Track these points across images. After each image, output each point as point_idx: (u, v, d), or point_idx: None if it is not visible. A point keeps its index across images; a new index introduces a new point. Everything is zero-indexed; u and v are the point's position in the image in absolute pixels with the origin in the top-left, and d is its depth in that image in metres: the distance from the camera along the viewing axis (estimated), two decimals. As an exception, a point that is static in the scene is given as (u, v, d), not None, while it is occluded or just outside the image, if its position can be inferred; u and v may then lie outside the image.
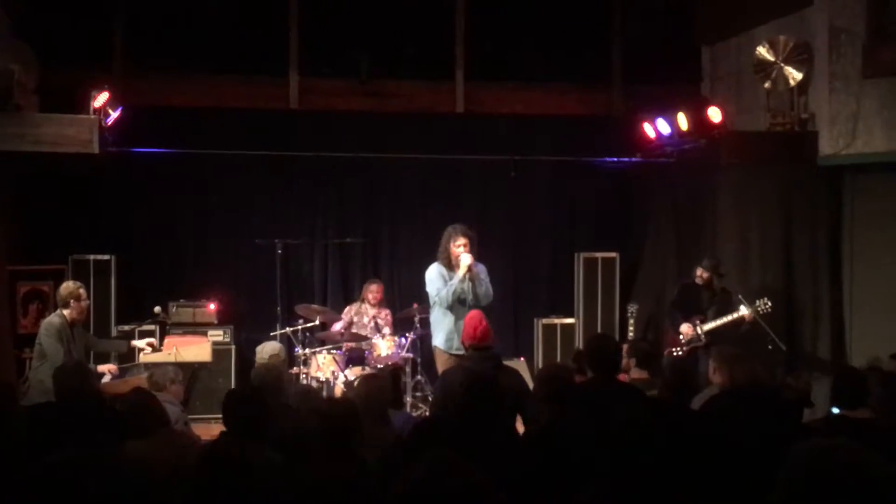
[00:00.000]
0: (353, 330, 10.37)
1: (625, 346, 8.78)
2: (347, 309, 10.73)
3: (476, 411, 4.78)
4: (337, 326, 10.34)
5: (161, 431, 5.23)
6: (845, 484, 2.45)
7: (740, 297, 9.42)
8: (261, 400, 5.03)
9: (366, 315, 10.64)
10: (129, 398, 5.46)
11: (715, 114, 9.82)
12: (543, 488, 4.03)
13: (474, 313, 7.12)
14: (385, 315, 10.71)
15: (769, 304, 9.30)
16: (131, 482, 3.18)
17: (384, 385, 5.65)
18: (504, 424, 4.86)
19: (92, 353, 9.04)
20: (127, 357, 8.97)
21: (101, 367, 8.42)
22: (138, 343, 8.83)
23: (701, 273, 9.73)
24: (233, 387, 10.12)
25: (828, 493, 2.45)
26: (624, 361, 8.14)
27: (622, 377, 7.84)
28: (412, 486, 2.65)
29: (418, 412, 9.76)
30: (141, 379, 7.50)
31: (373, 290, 10.68)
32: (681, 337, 9.61)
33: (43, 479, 2.99)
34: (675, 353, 9.48)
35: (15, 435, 4.72)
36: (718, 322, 9.46)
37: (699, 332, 9.52)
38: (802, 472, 2.53)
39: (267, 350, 7.27)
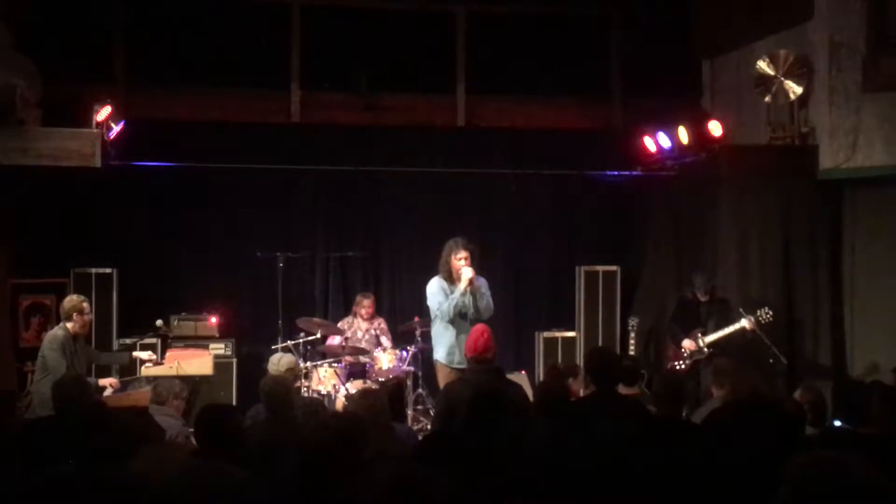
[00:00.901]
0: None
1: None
2: (340, 323, 10.72)
3: (481, 424, 4.79)
4: (334, 341, 10.33)
5: (152, 446, 5.23)
6: (843, 496, 2.46)
7: (741, 310, 9.39)
8: (233, 418, 4.99)
9: (359, 330, 10.66)
10: (119, 418, 5.46)
11: (715, 127, 9.84)
12: (543, 501, 4.04)
13: (479, 327, 7.17)
14: (378, 324, 10.73)
15: (770, 313, 9.29)
16: (129, 498, 3.18)
17: (383, 399, 5.65)
18: (507, 437, 4.85)
19: (94, 367, 9.05)
20: (128, 370, 8.97)
21: (103, 381, 8.42)
22: (140, 354, 8.84)
23: (703, 294, 9.70)
24: (234, 401, 10.15)
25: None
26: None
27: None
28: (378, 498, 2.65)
29: (419, 425, 9.76)
30: (143, 392, 7.50)
31: (365, 306, 10.71)
32: (683, 352, 9.58)
33: (40, 494, 2.99)
34: (678, 368, 9.47)
35: (12, 446, 4.72)
36: (720, 334, 9.43)
37: (701, 344, 9.49)
38: (801, 484, 2.54)
39: (284, 362, 7.27)
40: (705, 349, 9.46)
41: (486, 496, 3.62)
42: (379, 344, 10.50)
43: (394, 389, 6.55)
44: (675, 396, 5.70)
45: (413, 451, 4.08)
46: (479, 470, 3.80)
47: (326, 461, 4.15)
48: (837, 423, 6.21)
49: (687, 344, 9.57)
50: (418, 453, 3.95)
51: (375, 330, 10.70)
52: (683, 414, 5.79)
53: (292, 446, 4.85)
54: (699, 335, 9.53)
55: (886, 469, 2.62)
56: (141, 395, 7.38)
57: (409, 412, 9.92)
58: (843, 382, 9.19)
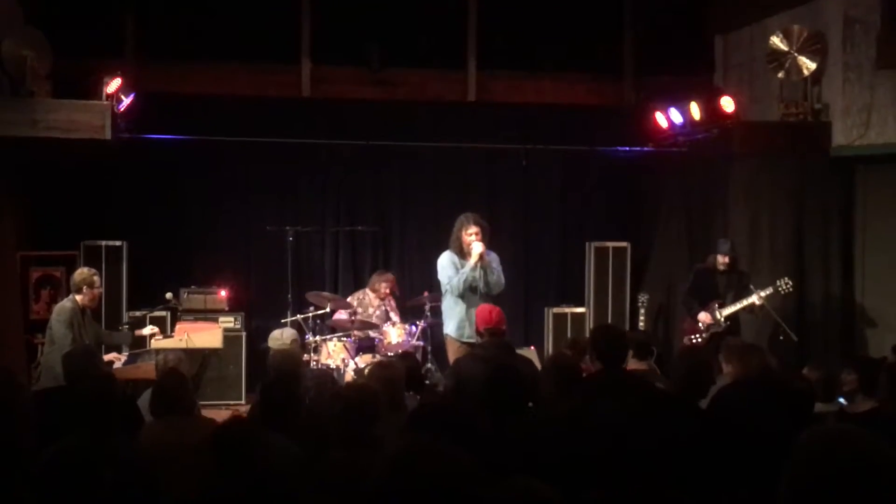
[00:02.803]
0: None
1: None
2: (351, 297, 10.73)
3: (498, 401, 4.76)
4: (343, 315, 10.35)
5: (186, 417, 5.26)
6: (853, 470, 2.45)
7: (751, 286, 9.30)
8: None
9: (371, 306, 10.65)
10: (165, 379, 5.50)
11: (728, 104, 9.79)
12: (555, 479, 4.03)
13: (486, 304, 7.16)
14: (389, 301, 10.74)
15: (790, 283, 9.20)
16: (141, 469, 3.18)
17: (401, 371, 5.63)
18: (519, 413, 4.84)
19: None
20: (138, 342, 8.97)
21: (107, 357, 8.44)
22: (143, 331, 8.82)
23: (724, 259, 9.45)
24: (243, 374, 10.24)
25: (835, 479, 2.44)
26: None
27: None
28: (385, 473, 2.63)
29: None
30: (153, 364, 7.50)
31: (384, 286, 10.67)
32: (700, 325, 9.36)
33: (53, 465, 2.99)
34: (693, 341, 9.29)
35: (18, 421, 4.71)
36: (738, 306, 9.25)
37: (719, 316, 9.30)
38: (807, 457, 2.53)
39: (280, 336, 7.28)
40: (723, 321, 9.27)
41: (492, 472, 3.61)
42: (388, 318, 10.51)
43: (410, 361, 6.53)
44: (699, 376, 5.64)
45: (407, 420, 4.06)
46: (486, 444, 3.79)
47: (338, 433, 4.15)
48: (842, 401, 6.21)
49: (703, 317, 9.36)
50: (411, 422, 3.93)
51: (386, 306, 10.70)
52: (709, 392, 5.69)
53: (301, 420, 4.87)
54: (716, 307, 9.34)
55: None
56: (151, 368, 7.40)
57: (418, 386, 9.92)
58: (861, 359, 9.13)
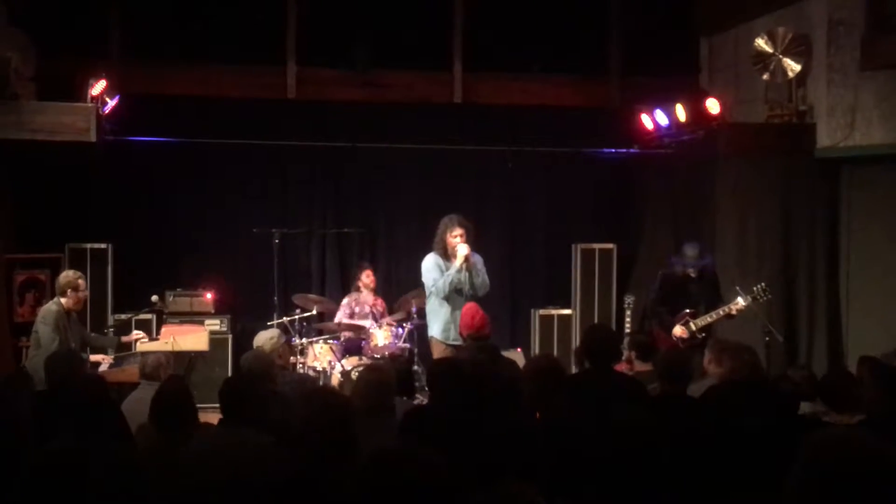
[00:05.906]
0: (355, 319, 10.38)
1: (625, 340, 8.72)
2: (346, 301, 10.71)
3: (473, 403, 4.77)
4: (337, 317, 10.37)
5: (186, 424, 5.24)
6: (859, 472, 2.46)
7: (738, 288, 9.11)
8: (253, 386, 5.06)
9: (366, 304, 10.66)
10: (166, 385, 5.46)
11: (713, 105, 9.82)
12: (540, 482, 4.03)
13: (471, 305, 7.16)
14: (380, 303, 10.74)
15: (768, 290, 8.75)
16: (131, 473, 3.17)
17: (389, 376, 5.62)
18: (500, 416, 4.84)
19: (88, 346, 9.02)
20: (124, 346, 8.94)
21: (95, 357, 8.40)
22: (129, 337, 8.78)
23: (693, 272, 8.95)
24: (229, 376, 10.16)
25: (842, 482, 2.46)
26: (625, 354, 8.09)
27: (624, 367, 7.83)
28: (363, 476, 2.64)
29: (416, 402, 9.75)
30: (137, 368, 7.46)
31: (369, 275, 10.71)
32: (677, 340, 8.74)
33: (42, 468, 2.98)
34: None
35: (24, 422, 4.70)
36: (714, 316, 8.75)
37: (693, 329, 8.77)
38: (817, 462, 2.54)
39: (263, 337, 7.27)
40: (699, 335, 8.72)
41: (473, 473, 3.61)
42: (376, 320, 10.51)
43: (400, 364, 6.54)
44: (680, 374, 5.66)
45: (399, 425, 4.07)
46: (465, 447, 3.79)
47: (311, 435, 4.14)
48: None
49: (678, 332, 8.77)
50: (401, 428, 3.94)
51: (379, 306, 10.71)
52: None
53: (274, 420, 4.84)
54: (689, 319, 8.82)
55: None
56: (136, 371, 7.35)
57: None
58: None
